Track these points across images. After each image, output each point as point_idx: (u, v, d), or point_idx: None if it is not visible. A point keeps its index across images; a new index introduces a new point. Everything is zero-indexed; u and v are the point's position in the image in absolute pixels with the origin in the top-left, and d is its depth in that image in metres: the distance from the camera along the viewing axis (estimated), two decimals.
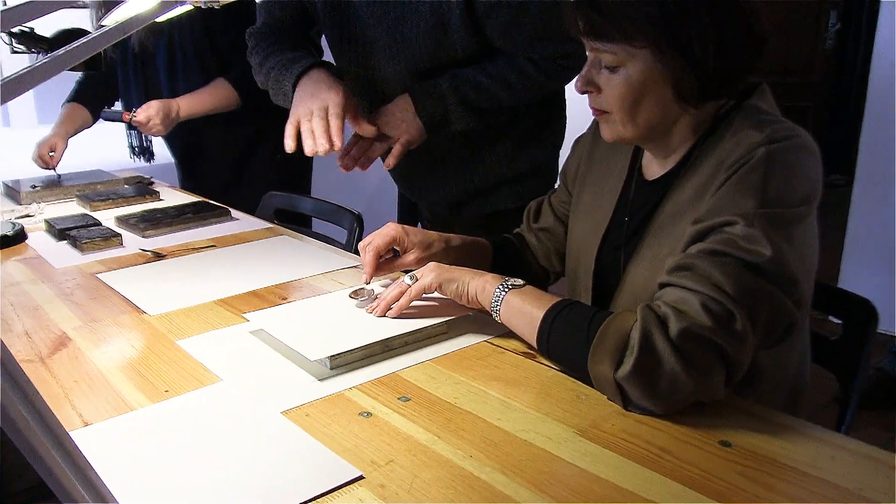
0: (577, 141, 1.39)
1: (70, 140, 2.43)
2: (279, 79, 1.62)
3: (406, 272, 1.22)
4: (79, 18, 2.04)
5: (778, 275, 0.94)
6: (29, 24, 1.94)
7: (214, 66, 2.30)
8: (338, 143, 1.47)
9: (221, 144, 2.43)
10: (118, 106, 2.54)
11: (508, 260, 1.42)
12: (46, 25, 1.97)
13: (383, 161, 1.64)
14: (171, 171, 2.75)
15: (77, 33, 1.96)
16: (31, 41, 1.96)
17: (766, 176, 0.98)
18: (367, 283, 1.30)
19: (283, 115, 1.50)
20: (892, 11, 3.00)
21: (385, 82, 1.67)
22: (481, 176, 1.76)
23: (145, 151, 2.56)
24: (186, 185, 2.56)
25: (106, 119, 2.38)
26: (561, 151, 1.79)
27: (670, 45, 1.02)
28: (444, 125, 1.60)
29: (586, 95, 1.12)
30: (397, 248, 1.31)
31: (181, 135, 2.40)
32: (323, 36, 1.84)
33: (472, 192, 1.78)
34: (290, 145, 1.51)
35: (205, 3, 1.16)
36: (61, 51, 0.58)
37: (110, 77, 2.47)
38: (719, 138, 1.07)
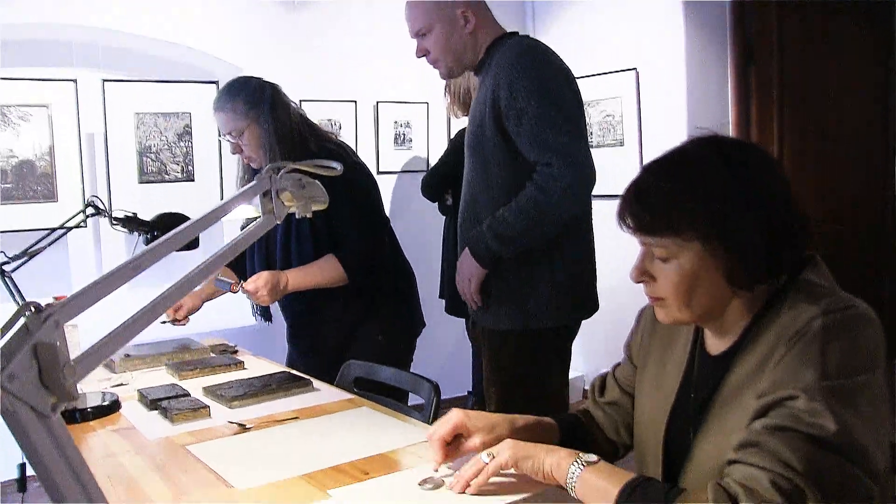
0: (641, 314, 1.44)
1: None
2: None
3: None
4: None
5: (846, 447, 0.95)
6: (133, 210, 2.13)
7: (326, 241, 2.37)
8: None
9: (329, 322, 2.46)
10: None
11: (577, 439, 1.43)
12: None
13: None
14: (255, 333, 2.95)
15: (176, 217, 2.14)
16: (133, 224, 2.14)
17: (824, 348, 1.00)
18: (436, 471, 1.34)
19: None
20: None
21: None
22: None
23: (265, 313, 2.66)
24: (294, 354, 2.60)
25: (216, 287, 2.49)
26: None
27: (717, 237, 1.08)
28: (492, 256, 2.04)
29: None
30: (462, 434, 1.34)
31: (293, 304, 2.49)
32: None
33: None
34: None
35: (298, 215, 1.29)
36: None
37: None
38: (776, 314, 1.10)
